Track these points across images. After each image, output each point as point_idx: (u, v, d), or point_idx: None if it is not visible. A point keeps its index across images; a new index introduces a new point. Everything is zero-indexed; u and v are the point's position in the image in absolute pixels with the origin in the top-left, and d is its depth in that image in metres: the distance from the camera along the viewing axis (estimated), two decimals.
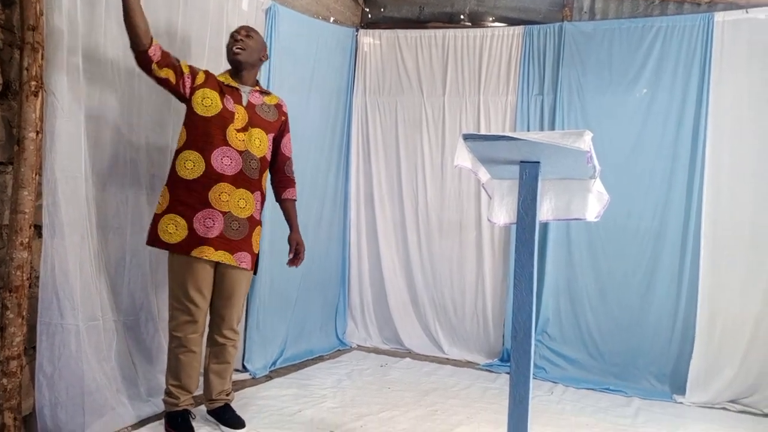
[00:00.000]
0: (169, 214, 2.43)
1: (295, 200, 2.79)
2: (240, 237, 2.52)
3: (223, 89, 2.53)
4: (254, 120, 2.57)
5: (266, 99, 2.68)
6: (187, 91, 2.47)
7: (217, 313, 2.59)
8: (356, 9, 4.60)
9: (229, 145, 2.47)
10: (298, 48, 3.77)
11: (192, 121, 2.47)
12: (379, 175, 4.46)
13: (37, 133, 2.21)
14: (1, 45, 2.22)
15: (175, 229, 2.41)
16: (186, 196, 2.42)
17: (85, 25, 2.42)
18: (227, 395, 2.68)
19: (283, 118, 2.72)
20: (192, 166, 2.43)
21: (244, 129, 2.53)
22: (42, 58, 2.21)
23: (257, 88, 2.65)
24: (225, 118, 2.48)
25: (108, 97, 2.58)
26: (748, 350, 3.37)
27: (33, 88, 2.18)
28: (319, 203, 4.12)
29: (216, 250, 2.45)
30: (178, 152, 2.47)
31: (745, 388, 3.36)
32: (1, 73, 2.22)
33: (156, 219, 2.46)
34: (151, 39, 2.34)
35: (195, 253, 2.42)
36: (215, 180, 2.44)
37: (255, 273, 2.68)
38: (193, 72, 2.50)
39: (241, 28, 2.61)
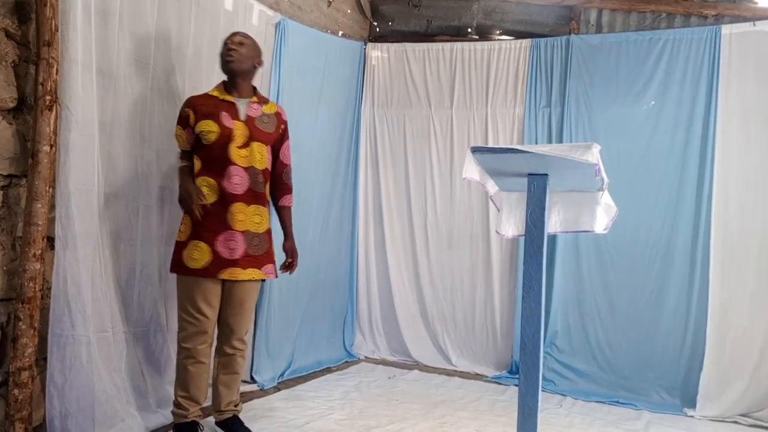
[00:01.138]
0: (192, 240, 2.48)
1: (290, 207, 2.80)
2: (263, 251, 2.59)
3: (218, 105, 2.53)
4: (254, 134, 2.56)
5: (265, 108, 2.65)
6: (193, 140, 2.54)
7: (225, 324, 2.61)
8: (364, 23, 4.64)
9: (235, 164, 2.49)
10: (308, 61, 3.81)
11: (201, 150, 2.52)
12: (388, 187, 4.47)
13: (51, 146, 2.24)
14: (16, 60, 2.26)
15: (199, 255, 2.47)
16: (205, 220, 2.46)
17: (98, 40, 2.47)
18: (235, 406, 2.69)
19: (282, 126, 2.70)
20: (208, 191, 2.48)
21: (245, 145, 2.53)
22: (57, 73, 2.25)
23: (254, 98, 2.63)
24: (225, 137, 2.49)
25: (121, 110, 2.62)
26: (759, 363, 3.34)
27: (48, 103, 2.22)
28: (328, 215, 4.14)
29: (245, 269, 2.51)
30: (193, 179, 2.52)
31: (756, 402, 3.33)
32: (16, 87, 2.26)
33: (178, 246, 2.52)
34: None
35: (224, 275, 2.47)
36: (230, 201, 2.48)
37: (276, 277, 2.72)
38: (185, 122, 2.53)
39: (234, 35, 2.59)
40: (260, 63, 2.67)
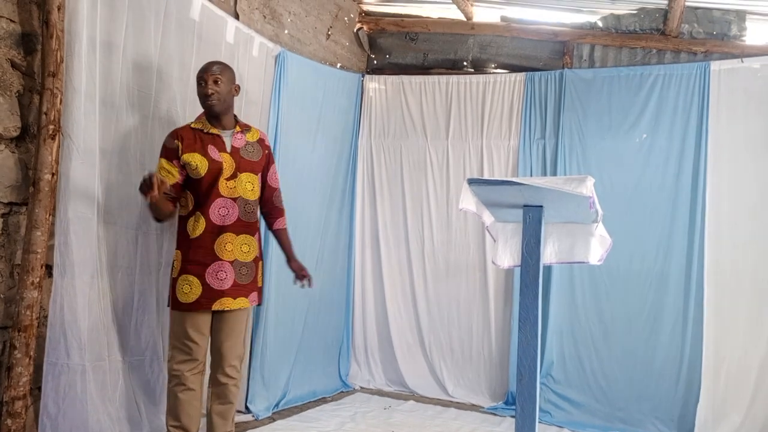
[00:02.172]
0: (182, 275, 2.49)
1: (286, 229, 2.81)
2: (249, 280, 2.60)
3: (203, 139, 2.52)
4: (241, 165, 2.57)
5: (248, 137, 2.64)
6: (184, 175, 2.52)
7: (217, 351, 2.61)
8: (362, 55, 4.73)
9: (222, 196, 2.51)
10: (306, 92, 3.87)
11: (191, 185, 2.53)
12: (384, 217, 4.50)
13: (53, 174, 2.27)
14: (21, 90, 2.30)
15: (189, 289, 2.48)
16: (194, 254, 2.49)
17: (102, 71, 2.51)
18: None
19: (266, 151, 2.71)
20: (195, 224, 2.50)
21: (233, 176, 2.55)
22: (60, 103, 2.28)
23: (238, 128, 2.61)
24: (214, 171, 2.50)
25: (121, 139, 2.65)
26: (755, 395, 3.33)
27: (51, 132, 2.25)
28: (324, 244, 4.15)
29: (235, 298, 2.53)
30: (186, 216, 2.54)
31: None
32: (20, 116, 2.30)
33: (173, 283, 2.53)
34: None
35: (216, 306, 2.49)
36: (217, 233, 2.50)
37: (260, 304, 2.73)
38: (173, 156, 2.48)
39: (207, 72, 2.50)
40: (238, 90, 2.61)
